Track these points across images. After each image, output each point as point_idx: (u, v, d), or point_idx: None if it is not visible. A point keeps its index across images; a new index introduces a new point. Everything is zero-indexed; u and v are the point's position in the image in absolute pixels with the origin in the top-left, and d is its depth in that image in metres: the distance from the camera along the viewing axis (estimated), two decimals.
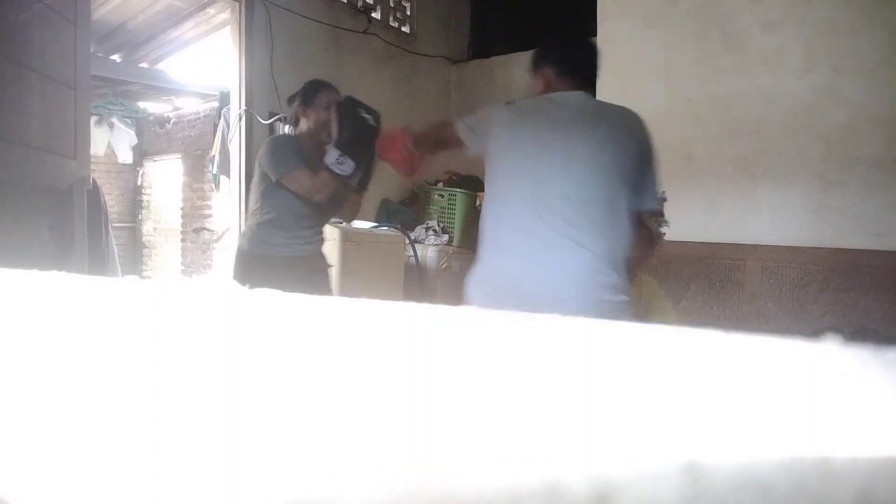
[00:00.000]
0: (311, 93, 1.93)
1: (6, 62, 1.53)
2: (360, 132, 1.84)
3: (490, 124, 1.42)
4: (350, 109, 1.85)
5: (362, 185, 1.98)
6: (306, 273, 1.94)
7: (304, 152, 1.87)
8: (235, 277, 1.94)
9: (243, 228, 1.99)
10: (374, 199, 3.77)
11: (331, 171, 1.77)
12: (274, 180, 1.82)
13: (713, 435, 0.16)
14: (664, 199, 1.89)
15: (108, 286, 0.39)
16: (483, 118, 1.46)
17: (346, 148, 1.80)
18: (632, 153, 1.30)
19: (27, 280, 0.39)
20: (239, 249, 1.96)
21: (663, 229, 1.84)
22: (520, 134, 1.35)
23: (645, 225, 1.40)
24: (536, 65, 1.46)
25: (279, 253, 1.88)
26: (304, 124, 1.93)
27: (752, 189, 2.51)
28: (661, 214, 1.84)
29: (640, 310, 1.79)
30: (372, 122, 1.88)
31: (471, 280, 1.37)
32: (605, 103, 1.40)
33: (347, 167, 1.78)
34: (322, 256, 2.05)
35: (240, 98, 3.02)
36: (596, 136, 1.30)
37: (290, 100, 2.01)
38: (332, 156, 1.79)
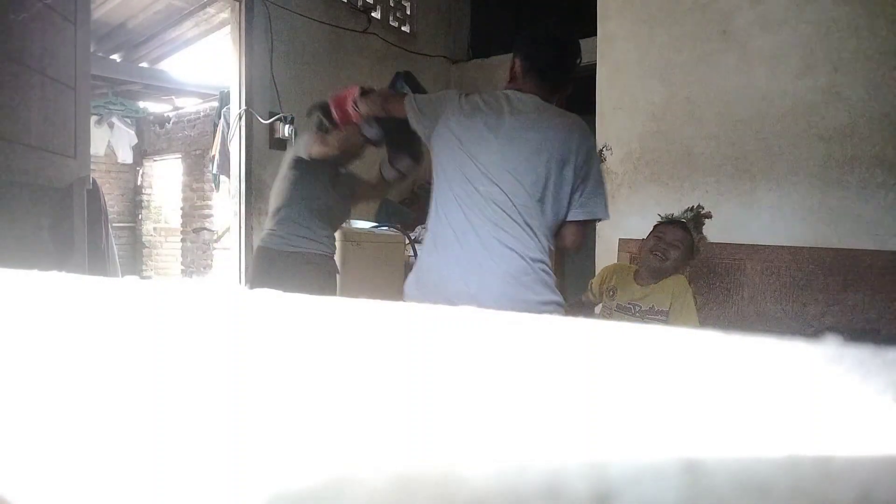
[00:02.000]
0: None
1: (6, 62, 1.53)
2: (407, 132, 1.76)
3: (439, 112, 1.38)
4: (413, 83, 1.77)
5: (397, 174, 1.95)
6: (315, 273, 1.96)
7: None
8: (252, 274, 1.97)
9: (265, 228, 2.00)
10: (374, 199, 3.77)
11: (359, 133, 1.77)
12: (306, 156, 1.83)
13: (713, 435, 0.16)
14: (706, 215, 1.92)
15: (108, 286, 0.39)
16: (434, 103, 1.41)
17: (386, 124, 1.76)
18: (573, 162, 1.27)
19: (27, 280, 0.39)
20: (258, 247, 1.99)
21: (699, 238, 1.87)
22: (463, 130, 1.31)
23: (581, 232, 1.37)
24: (513, 51, 1.41)
25: (296, 250, 1.90)
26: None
27: (752, 189, 2.51)
28: (697, 226, 1.86)
29: (667, 306, 1.83)
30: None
31: (409, 276, 1.38)
32: (555, 109, 1.36)
33: (375, 132, 1.78)
34: (332, 260, 2.07)
35: (240, 98, 3.02)
36: (534, 142, 1.27)
37: (309, 112, 1.97)
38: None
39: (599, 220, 1.34)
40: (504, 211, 1.25)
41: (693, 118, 2.66)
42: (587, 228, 1.39)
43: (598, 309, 2.11)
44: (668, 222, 1.93)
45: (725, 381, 0.19)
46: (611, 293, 2.00)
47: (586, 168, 1.29)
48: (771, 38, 2.46)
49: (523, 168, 1.26)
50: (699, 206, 2.00)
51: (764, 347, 0.22)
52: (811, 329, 2.35)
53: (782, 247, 2.44)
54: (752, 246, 2.51)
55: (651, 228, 1.97)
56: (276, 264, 1.90)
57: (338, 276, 2.11)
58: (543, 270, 1.27)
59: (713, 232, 2.66)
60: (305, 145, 1.84)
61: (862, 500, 0.13)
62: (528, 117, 1.30)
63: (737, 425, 0.16)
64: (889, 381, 0.18)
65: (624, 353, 0.23)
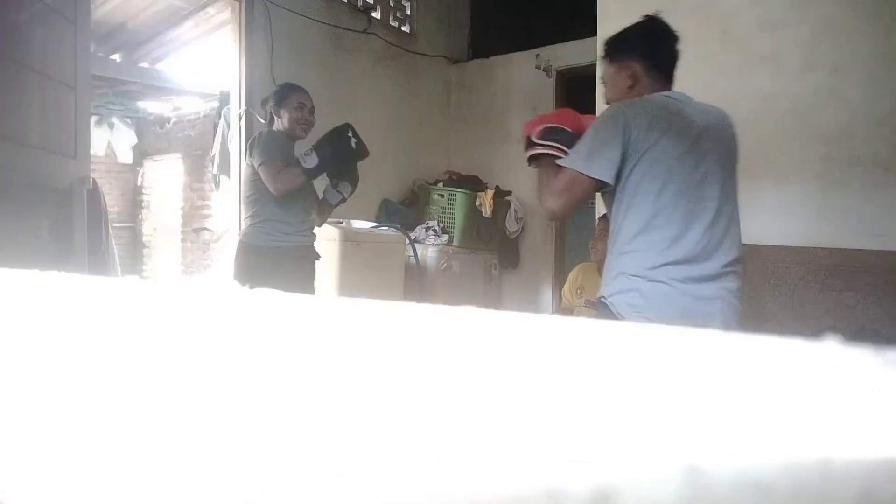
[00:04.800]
0: (283, 94, 2.16)
1: (6, 62, 1.53)
2: (342, 150, 2.06)
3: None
4: (344, 132, 2.08)
5: (337, 202, 2.24)
6: (295, 262, 2.11)
7: (286, 148, 2.09)
8: (235, 269, 2.14)
9: (243, 223, 2.16)
10: (375, 199, 3.77)
11: (296, 164, 2.00)
12: (256, 166, 2.02)
13: (713, 436, 0.16)
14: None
15: (108, 286, 0.39)
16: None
17: (324, 155, 2.02)
18: None
19: (27, 280, 0.39)
20: (240, 242, 2.14)
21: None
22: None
23: None
24: (624, 57, 1.37)
25: (275, 245, 2.05)
26: (277, 123, 2.15)
27: (752, 189, 2.50)
28: None
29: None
30: (355, 146, 2.09)
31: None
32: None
33: (311, 161, 2.00)
34: (311, 248, 2.23)
35: (240, 98, 3.02)
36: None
37: (264, 101, 2.24)
38: (303, 150, 2.03)
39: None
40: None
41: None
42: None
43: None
44: (602, 216, 1.99)
45: (726, 381, 0.19)
46: (579, 292, 2.07)
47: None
48: (771, 38, 2.46)
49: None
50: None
51: (764, 347, 0.22)
52: (811, 329, 2.35)
53: (782, 247, 2.43)
54: (752, 246, 2.50)
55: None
56: (252, 258, 2.06)
57: (318, 259, 2.28)
58: None
59: None
60: (269, 179, 2.00)
61: (862, 500, 0.13)
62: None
63: (737, 425, 0.16)
64: (889, 381, 0.18)
65: (624, 352, 0.23)
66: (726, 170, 1.33)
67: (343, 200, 2.25)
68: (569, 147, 1.33)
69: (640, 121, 1.23)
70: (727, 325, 1.23)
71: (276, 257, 2.04)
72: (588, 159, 1.26)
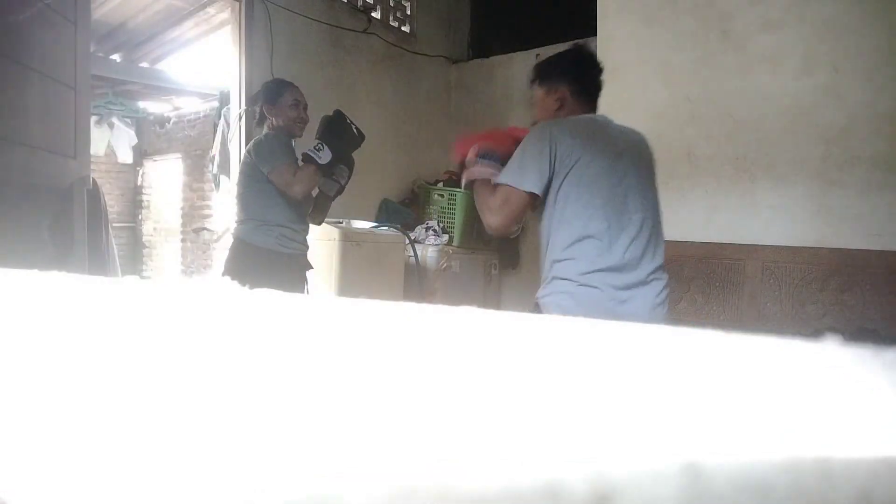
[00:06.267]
0: (274, 91, 2.03)
1: (7, 62, 1.53)
2: (348, 139, 1.98)
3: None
4: (342, 119, 2.00)
5: (335, 191, 2.11)
6: (295, 270, 2.04)
7: (290, 148, 1.99)
8: (227, 271, 2.05)
9: (240, 223, 2.06)
10: (374, 199, 3.77)
11: (310, 161, 1.90)
12: (266, 173, 1.92)
13: (713, 435, 0.16)
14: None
15: (108, 286, 0.39)
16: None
17: (335, 147, 1.92)
18: None
19: (27, 280, 0.39)
20: (234, 241, 2.04)
21: None
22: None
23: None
24: (552, 82, 1.47)
25: (270, 248, 1.96)
26: (271, 122, 2.03)
27: (752, 189, 2.51)
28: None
29: None
30: (357, 132, 2.01)
31: None
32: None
33: (325, 155, 1.90)
34: (304, 257, 2.13)
35: (240, 98, 3.02)
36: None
37: (253, 100, 2.14)
38: (312, 145, 1.91)
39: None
40: None
41: (693, 118, 2.66)
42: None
43: None
44: None
45: (725, 381, 0.19)
46: None
47: None
48: (771, 38, 2.46)
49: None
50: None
51: (764, 347, 0.22)
52: (811, 329, 2.35)
53: (782, 247, 2.43)
54: (752, 246, 2.51)
55: None
56: (246, 260, 1.98)
57: (310, 270, 2.21)
58: None
59: (713, 232, 2.67)
60: (287, 183, 1.91)
61: (862, 500, 0.13)
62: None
63: (737, 425, 0.16)
64: (889, 381, 0.18)
65: (624, 352, 0.23)
66: (647, 184, 1.42)
67: (341, 190, 2.12)
68: (501, 165, 1.41)
69: (566, 137, 1.32)
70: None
71: (278, 262, 1.96)
72: (519, 174, 1.34)
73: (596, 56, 1.52)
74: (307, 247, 2.13)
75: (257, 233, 1.97)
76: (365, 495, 0.14)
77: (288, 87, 2.05)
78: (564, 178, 1.32)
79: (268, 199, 1.97)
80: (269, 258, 1.95)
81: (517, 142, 1.43)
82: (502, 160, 1.43)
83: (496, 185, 1.38)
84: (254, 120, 2.14)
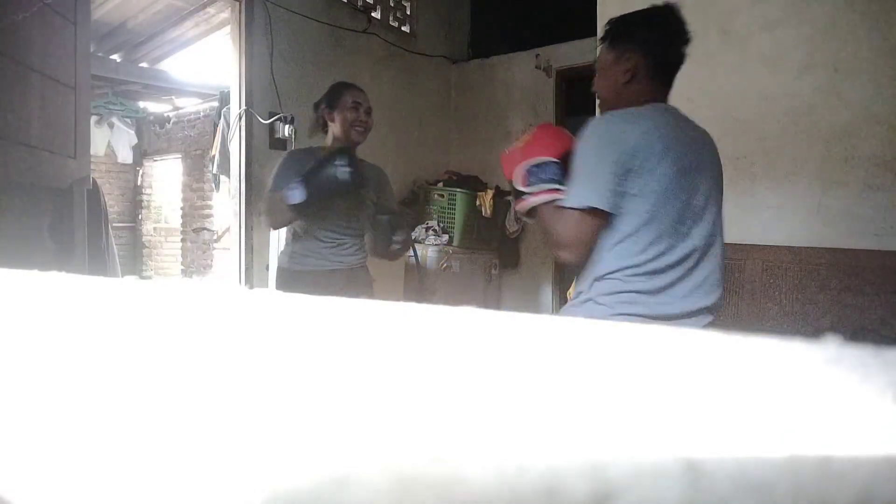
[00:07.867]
0: (336, 94, 1.85)
1: (6, 62, 1.53)
2: (329, 183, 1.67)
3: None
4: (333, 156, 1.70)
5: (392, 236, 1.85)
6: (344, 286, 1.89)
7: (290, 171, 1.77)
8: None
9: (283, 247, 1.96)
10: None
11: (329, 179, 1.66)
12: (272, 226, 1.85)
13: (713, 435, 0.16)
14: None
15: (108, 286, 0.39)
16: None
17: (311, 188, 1.66)
18: None
19: (27, 280, 0.39)
20: (279, 267, 1.94)
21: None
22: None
23: None
24: (627, 45, 1.17)
25: (313, 268, 1.85)
26: (332, 129, 1.85)
27: (752, 189, 2.51)
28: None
29: None
30: (349, 178, 1.67)
31: None
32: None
33: (296, 195, 1.65)
34: (363, 268, 1.99)
35: (240, 98, 3.02)
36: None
37: (316, 106, 1.92)
38: (340, 161, 1.66)
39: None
40: None
41: (693, 118, 2.66)
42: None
43: None
44: None
45: (725, 380, 0.19)
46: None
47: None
48: (771, 38, 2.46)
49: None
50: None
51: (764, 347, 0.22)
52: (811, 329, 2.35)
53: (782, 247, 2.44)
54: (752, 246, 2.51)
55: None
56: (294, 284, 1.85)
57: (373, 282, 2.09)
58: None
59: None
60: (264, 210, 1.80)
61: (862, 500, 0.13)
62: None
63: (737, 425, 0.16)
64: (889, 381, 0.18)
65: (624, 352, 0.23)
66: (715, 204, 1.18)
67: (400, 251, 1.86)
68: (561, 180, 1.13)
69: (639, 141, 1.07)
70: None
71: (293, 280, 1.85)
72: (588, 191, 1.07)
73: (685, 23, 1.21)
74: (344, 264, 1.89)
75: (281, 255, 1.94)
76: (364, 496, 0.14)
77: (350, 88, 1.87)
78: (627, 189, 1.07)
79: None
80: (282, 277, 1.90)
81: (572, 139, 1.16)
82: (562, 169, 1.14)
83: (558, 209, 1.10)
84: (317, 125, 1.92)
